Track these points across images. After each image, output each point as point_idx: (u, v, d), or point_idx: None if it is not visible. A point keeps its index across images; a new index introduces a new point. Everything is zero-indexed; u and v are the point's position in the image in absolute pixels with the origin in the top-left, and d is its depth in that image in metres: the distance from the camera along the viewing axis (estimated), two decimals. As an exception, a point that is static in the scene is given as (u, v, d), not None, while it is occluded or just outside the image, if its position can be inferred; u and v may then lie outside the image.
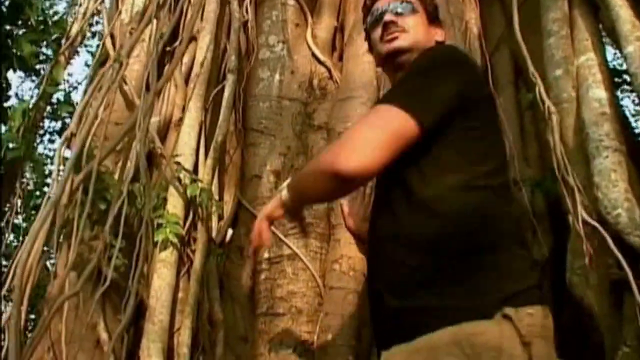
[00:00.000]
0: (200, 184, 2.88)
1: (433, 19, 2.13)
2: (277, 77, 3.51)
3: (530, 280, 1.64)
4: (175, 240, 2.78)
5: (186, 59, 3.36)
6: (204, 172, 2.99)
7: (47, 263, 3.89)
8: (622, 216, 2.31)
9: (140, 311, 2.80)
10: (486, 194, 1.73)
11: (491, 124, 1.88)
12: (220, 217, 3.24)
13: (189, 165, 2.97)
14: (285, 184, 2.00)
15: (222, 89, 3.26)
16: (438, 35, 2.12)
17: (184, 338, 2.72)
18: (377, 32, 2.06)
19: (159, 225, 2.79)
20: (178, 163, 2.88)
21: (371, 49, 2.22)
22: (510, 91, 3.59)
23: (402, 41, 1.99)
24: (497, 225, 1.70)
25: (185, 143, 3.02)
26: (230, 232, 3.29)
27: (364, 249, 2.98)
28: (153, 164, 3.12)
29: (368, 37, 2.20)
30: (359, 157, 1.67)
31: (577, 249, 2.48)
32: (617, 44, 2.54)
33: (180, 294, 2.86)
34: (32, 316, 4.72)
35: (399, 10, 2.03)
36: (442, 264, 1.64)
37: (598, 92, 2.58)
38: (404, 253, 1.71)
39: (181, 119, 3.10)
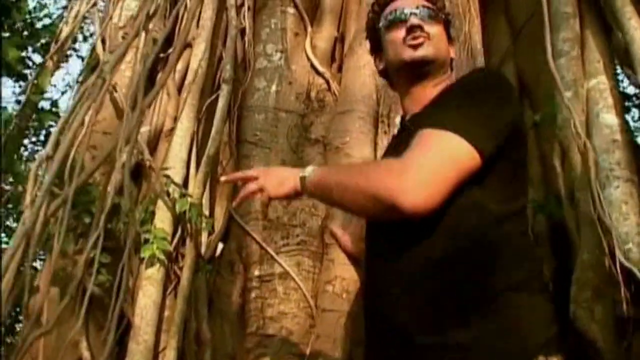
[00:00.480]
0: (189, 199, 2.76)
1: (449, 34, 2.05)
2: (273, 87, 3.39)
3: (555, 328, 1.62)
4: (162, 257, 2.66)
5: (180, 67, 3.24)
6: (194, 186, 2.87)
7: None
8: (633, 252, 2.19)
9: (126, 329, 2.68)
10: (519, 232, 1.70)
11: (526, 159, 1.83)
12: (210, 232, 3.13)
13: (179, 178, 2.85)
14: (308, 171, 1.85)
15: (216, 99, 3.14)
16: (452, 52, 2.04)
17: (169, 359, 2.60)
18: (399, 34, 1.92)
19: (146, 241, 2.68)
20: (167, 176, 2.76)
21: (375, 51, 2.11)
22: (514, 109, 3.49)
23: (428, 50, 1.88)
24: (528, 265, 1.67)
25: (175, 155, 2.90)
26: (220, 246, 3.17)
27: (359, 270, 2.89)
28: (142, 176, 3.00)
29: (376, 38, 2.08)
30: (426, 194, 1.55)
31: (583, 281, 2.37)
32: (631, 67, 2.43)
33: (166, 312, 2.75)
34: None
35: (426, 15, 1.93)
36: (479, 299, 1.57)
37: (609, 118, 2.45)
38: (437, 285, 1.61)
39: (173, 129, 2.98)
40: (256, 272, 3.01)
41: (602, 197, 2.24)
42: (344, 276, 2.85)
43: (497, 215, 1.64)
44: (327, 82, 3.43)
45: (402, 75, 2.00)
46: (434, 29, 1.93)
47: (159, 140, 3.08)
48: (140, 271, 2.68)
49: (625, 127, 2.47)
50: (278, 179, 1.92)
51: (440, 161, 1.59)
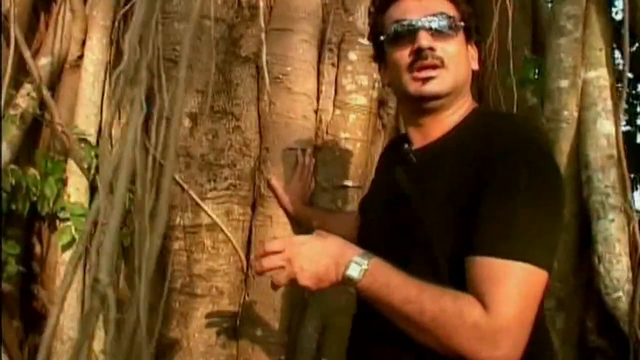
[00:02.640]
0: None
1: (470, 35, 1.63)
2: (197, -14, 2.73)
3: None
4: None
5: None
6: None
7: None
8: (623, 301, 2.10)
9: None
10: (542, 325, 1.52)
11: None
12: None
13: (92, 129, 2.32)
14: (358, 270, 1.41)
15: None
16: (474, 58, 1.64)
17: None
18: (404, 55, 1.53)
19: (58, 220, 2.22)
20: (84, 139, 2.22)
21: (378, 59, 1.70)
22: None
23: (441, 83, 1.50)
24: None
25: (86, 98, 2.33)
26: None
27: (300, 231, 2.66)
28: (42, 130, 2.40)
29: (378, 45, 1.66)
30: (515, 352, 1.32)
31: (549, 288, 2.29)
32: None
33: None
34: None
35: (438, 27, 1.51)
36: None
37: (608, 126, 2.20)
38: None
39: (80, 57, 2.35)
40: (178, 220, 2.68)
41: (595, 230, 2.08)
42: (285, 236, 2.61)
43: None
44: (260, -22, 2.82)
45: (407, 104, 1.63)
46: (452, 48, 1.52)
47: (63, 73, 2.43)
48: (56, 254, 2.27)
49: (621, 137, 2.24)
50: (314, 267, 1.46)
51: (527, 309, 1.34)
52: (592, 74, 2.27)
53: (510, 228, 1.35)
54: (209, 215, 2.64)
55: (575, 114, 2.27)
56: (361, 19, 2.71)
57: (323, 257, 1.45)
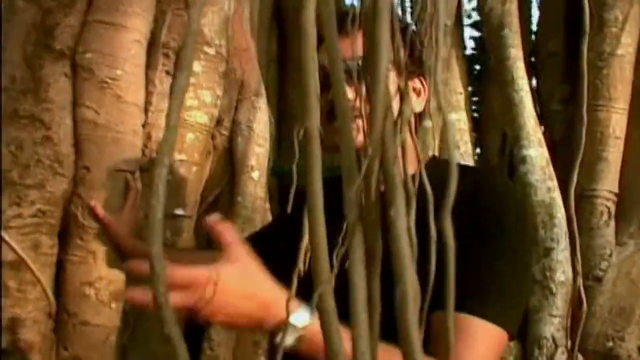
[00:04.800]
0: None
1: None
2: (12, -43, 2.16)
3: None
4: None
5: None
6: None
7: None
8: None
9: None
10: None
11: None
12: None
13: None
14: (300, 321, 1.19)
15: None
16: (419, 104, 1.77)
17: None
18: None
19: None
20: None
21: None
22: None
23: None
24: None
25: None
26: None
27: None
28: None
29: None
30: None
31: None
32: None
33: None
34: None
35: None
36: None
37: None
38: None
39: None
40: (-27, 256, 2.14)
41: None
42: (111, 278, 2.23)
43: None
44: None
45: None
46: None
47: None
48: None
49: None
50: (240, 312, 1.21)
51: None
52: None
53: (491, 289, 1.35)
54: (14, 250, 2.14)
55: (437, 154, 2.26)
56: (208, 25, 2.35)
57: (255, 299, 1.23)
